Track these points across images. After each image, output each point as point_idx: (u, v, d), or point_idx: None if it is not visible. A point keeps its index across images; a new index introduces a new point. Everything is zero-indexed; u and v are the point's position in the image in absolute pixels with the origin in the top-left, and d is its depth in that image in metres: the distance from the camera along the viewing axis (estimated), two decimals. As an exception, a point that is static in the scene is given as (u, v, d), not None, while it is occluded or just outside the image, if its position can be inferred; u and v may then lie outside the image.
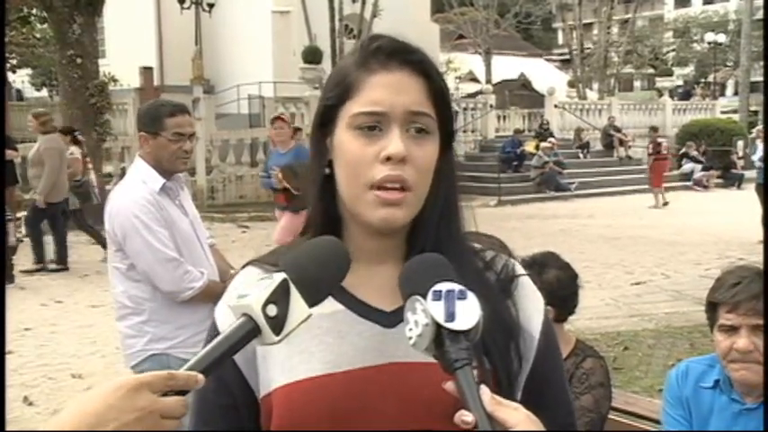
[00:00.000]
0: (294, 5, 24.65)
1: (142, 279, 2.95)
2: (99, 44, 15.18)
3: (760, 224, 10.25)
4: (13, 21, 19.44)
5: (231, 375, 1.03)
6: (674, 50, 46.49)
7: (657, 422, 2.49)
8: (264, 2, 26.48)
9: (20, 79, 28.04)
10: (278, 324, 0.87)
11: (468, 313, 0.87)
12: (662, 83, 27.83)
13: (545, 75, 33.76)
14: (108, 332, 5.99)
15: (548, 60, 45.53)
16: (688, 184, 20.41)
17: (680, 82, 37.82)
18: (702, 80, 42.70)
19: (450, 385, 0.87)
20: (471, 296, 0.89)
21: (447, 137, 1.06)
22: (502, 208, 16.33)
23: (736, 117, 27.58)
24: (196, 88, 17.79)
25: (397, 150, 0.97)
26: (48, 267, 9.49)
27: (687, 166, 21.02)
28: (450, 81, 30.41)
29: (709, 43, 38.35)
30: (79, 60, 13.43)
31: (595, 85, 37.72)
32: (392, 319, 1.01)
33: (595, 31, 40.78)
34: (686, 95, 32.91)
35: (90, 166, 10.64)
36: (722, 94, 40.44)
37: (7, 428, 4.10)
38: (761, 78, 28.10)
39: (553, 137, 20.16)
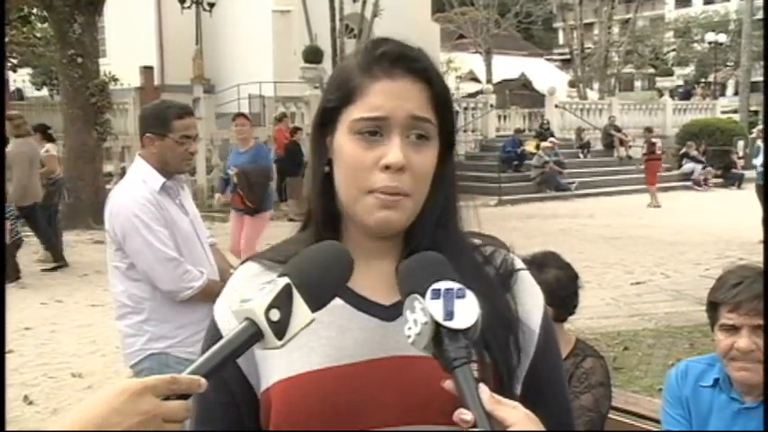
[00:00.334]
0: (295, 5, 24.65)
1: (142, 278, 2.95)
2: (99, 44, 15.17)
3: (760, 224, 10.25)
4: (13, 20, 19.44)
5: (231, 373, 1.03)
6: (674, 50, 46.52)
7: (657, 422, 2.49)
8: (265, 1, 26.48)
9: (20, 79, 28.04)
10: (280, 329, 0.87)
11: (467, 312, 0.87)
12: (662, 83, 27.85)
13: (545, 74, 33.77)
14: (108, 331, 5.99)
15: (548, 60, 45.53)
16: (688, 183, 20.43)
17: (680, 82, 37.77)
18: (703, 80, 42.73)
19: (449, 384, 0.87)
20: (470, 295, 0.89)
21: (448, 142, 1.06)
22: (502, 207, 16.32)
23: (736, 117, 27.61)
24: (196, 88, 17.81)
25: (396, 160, 0.98)
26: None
27: (687, 166, 21.02)
28: (451, 81, 30.46)
29: (710, 43, 38.40)
30: (80, 60, 13.42)
31: (596, 85, 37.76)
32: (391, 312, 1.01)
33: (596, 31, 40.83)
34: (687, 95, 32.91)
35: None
36: (722, 94, 40.49)
37: (7, 428, 4.09)
38: (761, 78, 28.16)
39: (553, 136, 20.18)
